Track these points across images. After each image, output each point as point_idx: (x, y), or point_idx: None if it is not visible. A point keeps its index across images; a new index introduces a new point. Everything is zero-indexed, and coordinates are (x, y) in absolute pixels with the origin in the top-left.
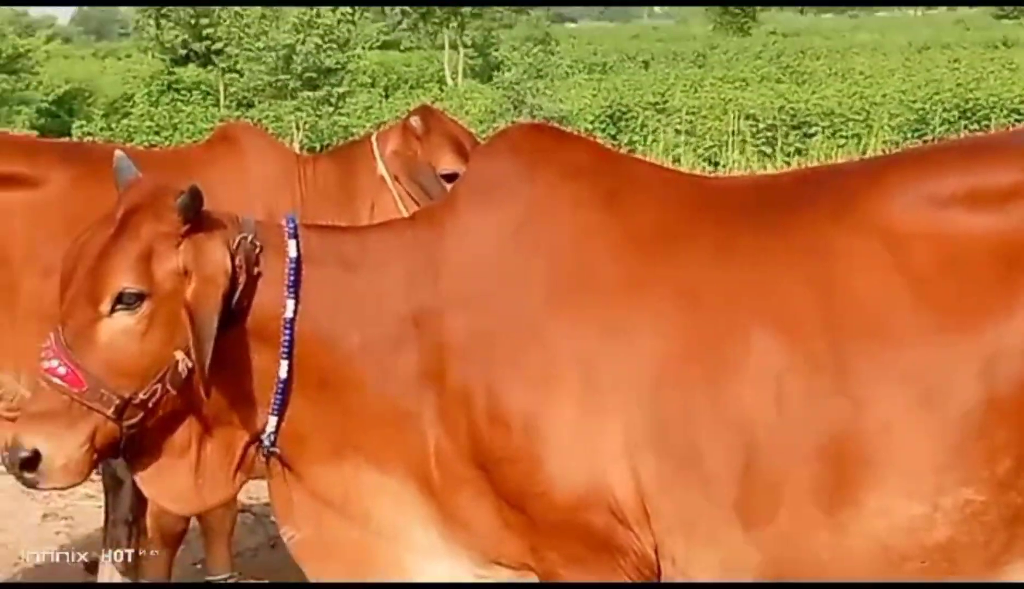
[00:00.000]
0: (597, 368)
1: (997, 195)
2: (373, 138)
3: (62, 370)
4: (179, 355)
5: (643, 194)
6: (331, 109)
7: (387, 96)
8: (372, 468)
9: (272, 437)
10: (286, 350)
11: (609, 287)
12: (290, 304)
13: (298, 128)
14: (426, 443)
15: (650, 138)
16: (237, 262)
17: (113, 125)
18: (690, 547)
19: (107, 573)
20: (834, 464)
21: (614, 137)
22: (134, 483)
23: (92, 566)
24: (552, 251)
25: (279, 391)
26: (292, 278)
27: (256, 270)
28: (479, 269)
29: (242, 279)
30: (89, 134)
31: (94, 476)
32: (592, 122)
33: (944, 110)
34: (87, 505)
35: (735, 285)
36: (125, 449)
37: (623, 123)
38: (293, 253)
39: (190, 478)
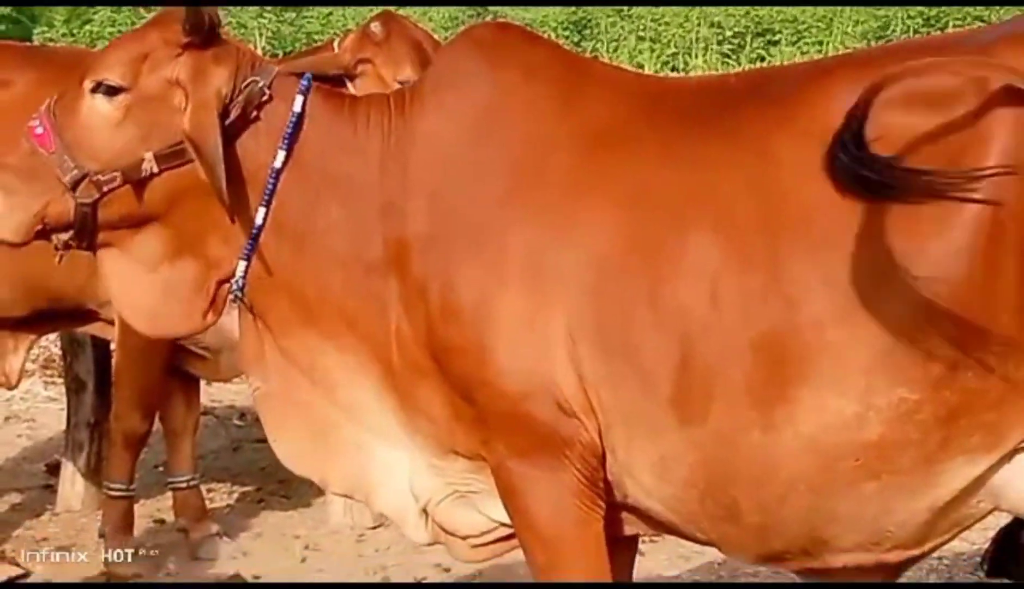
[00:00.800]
0: (544, 263)
1: (937, 97)
2: (335, 44)
3: (39, 130)
4: (148, 156)
5: (598, 96)
6: (294, 15)
7: (350, 3)
8: (337, 342)
9: (240, 282)
10: (267, 197)
11: (559, 185)
12: (281, 155)
13: (260, 34)
14: (389, 327)
15: (613, 44)
16: (237, 99)
17: (75, 31)
18: (631, 441)
19: (68, 475)
20: (767, 363)
21: (578, 43)
22: (96, 386)
23: (54, 468)
24: (508, 148)
25: (253, 236)
26: (290, 131)
27: (255, 114)
28: (440, 163)
29: (234, 114)
30: (51, 40)
31: (56, 379)
32: (555, 28)
33: (907, 17)
34: (50, 408)
35: (678, 185)
36: (84, 235)
37: (587, 30)
38: (297, 108)
39: (160, 298)
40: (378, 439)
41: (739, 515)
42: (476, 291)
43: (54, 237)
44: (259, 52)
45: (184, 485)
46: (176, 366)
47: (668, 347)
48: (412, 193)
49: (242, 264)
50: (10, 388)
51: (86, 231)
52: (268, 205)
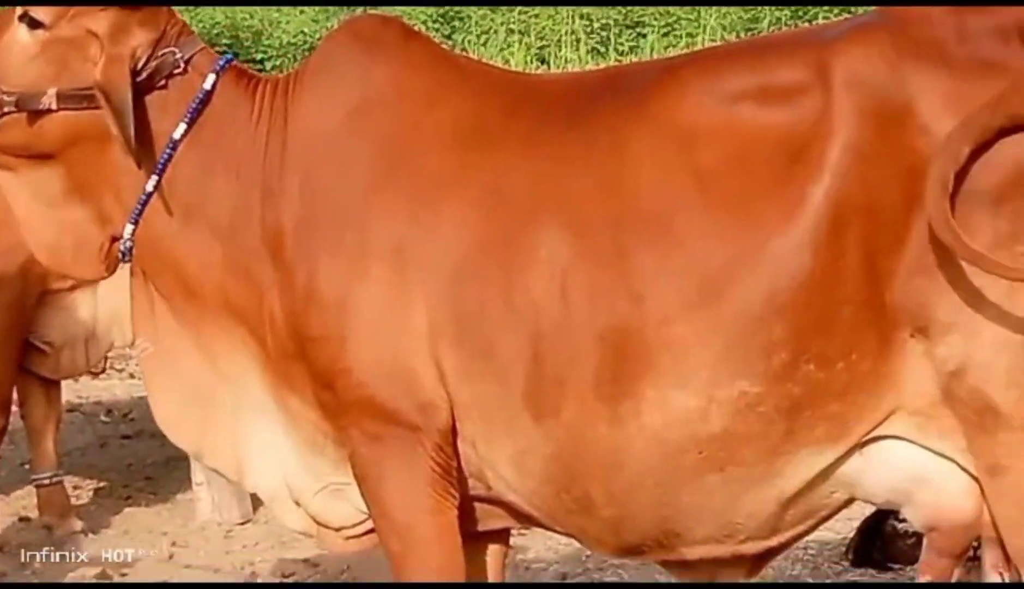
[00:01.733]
0: (406, 257)
1: (783, 91)
2: None
3: None
4: (50, 91)
5: (467, 92)
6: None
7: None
8: (218, 315)
9: (128, 244)
10: (161, 165)
11: (424, 180)
12: (182, 127)
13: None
14: (263, 307)
15: (484, 37)
16: (151, 64)
17: None
18: (489, 435)
19: None
20: (614, 358)
21: (448, 36)
22: None
23: None
24: (377, 141)
25: (141, 202)
26: (195, 106)
27: (165, 83)
28: (312, 150)
29: (143, 77)
30: None
31: None
32: (425, 21)
33: (776, 9)
34: None
35: (534, 180)
36: None
37: (457, 22)
38: (208, 85)
39: (57, 235)
40: (256, 416)
41: (593, 509)
42: (339, 281)
43: None
44: None
45: (48, 482)
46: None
47: (521, 342)
48: (287, 177)
49: (129, 227)
50: None
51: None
52: (161, 173)
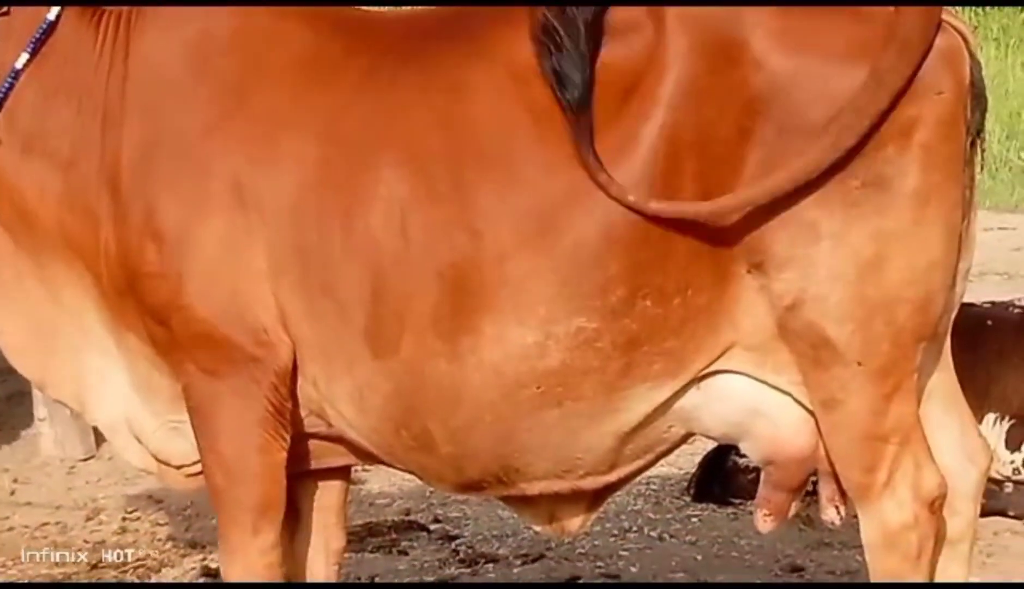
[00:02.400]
0: (245, 194)
1: (616, 28)
2: None
3: None
4: None
5: (307, 27)
6: None
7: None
8: (57, 245)
9: None
10: (1, 95)
11: (263, 115)
12: (24, 57)
13: None
14: (99, 241)
15: None
16: None
17: None
18: (330, 373)
19: None
20: (452, 294)
21: None
22: None
23: None
24: (215, 77)
25: None
26: (38, 36)
27: (5, 10)
28: (155, 83)
29: None
30: None
31: None
32: None
33: None
34: None
35: (372, 118)
36: None
37: None
38: (51, 16)
39: None
40: (96, 349)
41: (433, 445)
42: (177, 218)
43: None
44: None
45: None
46: None
47: (361, 280)
48: (127, 109)
49: None
50: None
51: None
52: (1, 103)
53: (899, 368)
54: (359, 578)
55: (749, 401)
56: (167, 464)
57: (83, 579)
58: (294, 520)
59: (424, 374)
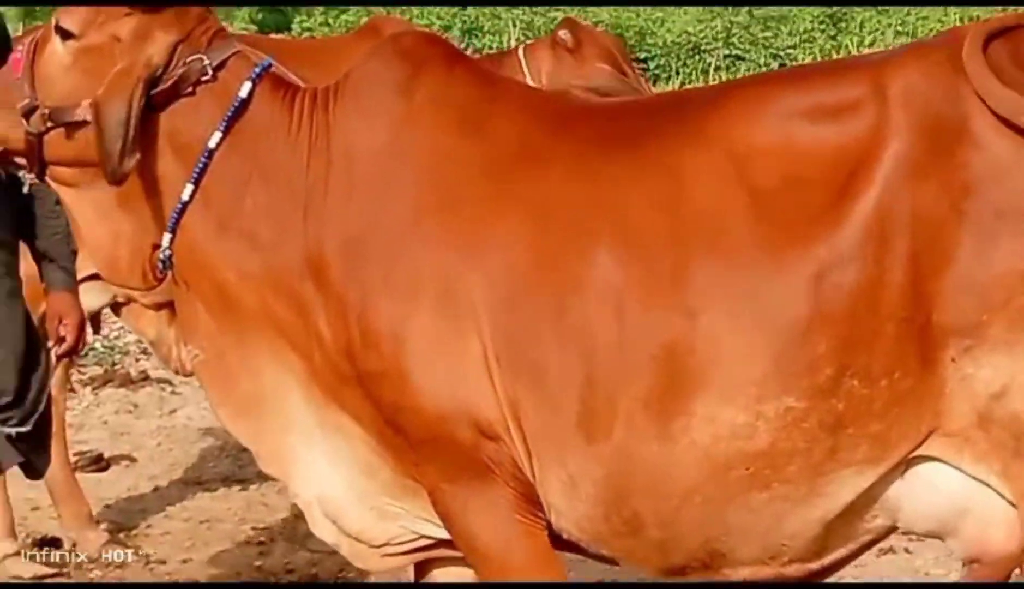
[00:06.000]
0: (457, 286)
1: (838, 108)
2: (520, 51)
3: (19, 55)
4: (84, 104)
5: (510, 115)
6: (547, 8)
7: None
8: (259, 327)
9: (167, 253)
10: (197, 174)
11: (469, 205)
12: (217, 135)
13: (515, 25)
14: (308, 327)
15: (870, 37)
16: (174, 71)
17: (331, 20)
18: (542, 462)
19: None
20: (665, 376)
21: (834, 37)
22: None
23: None
24: (420, 166)
25: (178, 210)
26: (231, 114)
27: (192, 90)
28: (358, 171)
29: (165, 86)
30: (309, 29)
31: None
32: (812, 21)
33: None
34: None
35: (585, 203)
36: (33, 164)
37: (843, 24)
38: (243, 94)
39: (111, 246)
40: (296, 429)
41: (641, 529)
42: (391, 316)
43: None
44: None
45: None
46: None
47: (574, 367)
48: (331, 197)
49: (167, 236)
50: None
51: (33, 160)
52: (197, 182)
53: None
54: None
55: (954, 495)
56: (368, 544)
57: None
58: None
59: (635, 456)
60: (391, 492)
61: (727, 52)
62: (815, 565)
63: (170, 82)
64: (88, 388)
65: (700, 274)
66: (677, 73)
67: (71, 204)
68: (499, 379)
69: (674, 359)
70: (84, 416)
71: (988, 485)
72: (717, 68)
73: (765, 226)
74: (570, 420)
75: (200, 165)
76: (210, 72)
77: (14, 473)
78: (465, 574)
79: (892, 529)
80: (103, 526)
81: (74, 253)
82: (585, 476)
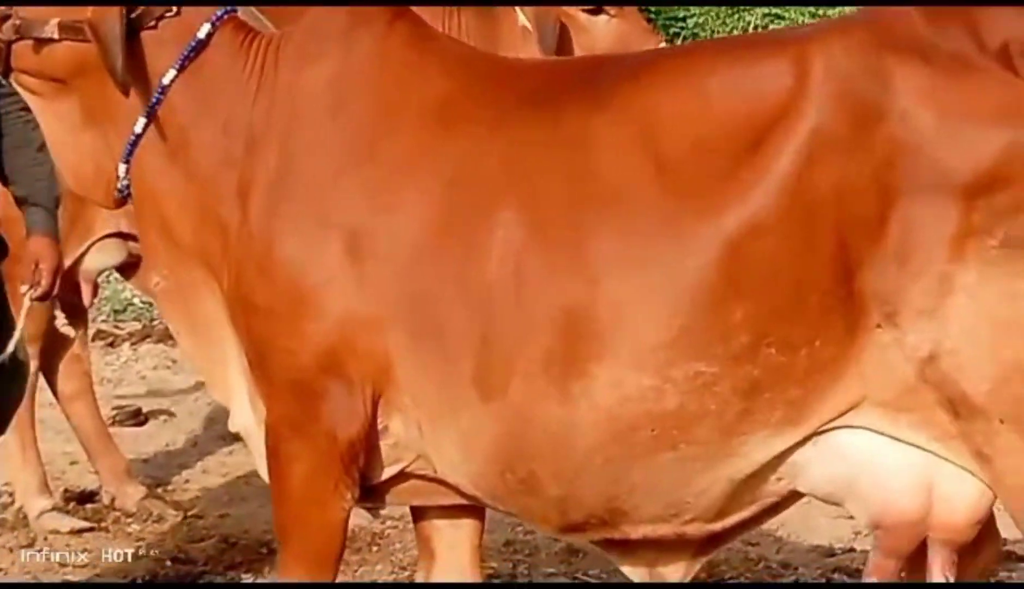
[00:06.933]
0: (361, 237)
1: (755, 81)
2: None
3: None
4: (52, 21)
5: (439, 75)
6: None
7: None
8: (194, 255)
9: (125, 182)
10: (150, 109)
11: (387, 161)
12: (172, 73)
13: None
14: (227, 256)
15: None
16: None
17: None
18: (435, 417)
19: None
20: (565, 339)
21: None
22: None
23: None
24: (349, 118)
25: (131, 142)
26: (187, 53)
27: (153, 24)
28: (295, 118)
29: (136, 16)
30: None
31: None
32: None
33: None
34: None
35: (496, 166)
36: (2, 66)
37: None
38: (201, 35)
39: (80, 159)
40: (233, 354)
41: (538, 488)
42: (293, 256)
43: None
44: None
45: None
46: None
47: (471, 325)
48: (269, 139)
49: (123, 166)
50: None
51: (3, 64)
52: (150, 116)
53: None
54: None
55: (861, 460)
56: None
57: None
58: (429, 560)
59: (534, 417)
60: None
61: None
62: (716, 526)
63: (139, 11)
64: (127, 343)
65: (605, 241)
66: None
67: (38, 112)
68: (392, 334)
69: (575, 323)
70: (123, 371)
71: (928, 450)
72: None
73: (673, 195)
74: (465, 377)
75: (154, 99)
76: (174, 9)
77: (49, 426)
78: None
79: (795, 494)
80: (141, 480)
81: (57, 200)
82: (480, 433)
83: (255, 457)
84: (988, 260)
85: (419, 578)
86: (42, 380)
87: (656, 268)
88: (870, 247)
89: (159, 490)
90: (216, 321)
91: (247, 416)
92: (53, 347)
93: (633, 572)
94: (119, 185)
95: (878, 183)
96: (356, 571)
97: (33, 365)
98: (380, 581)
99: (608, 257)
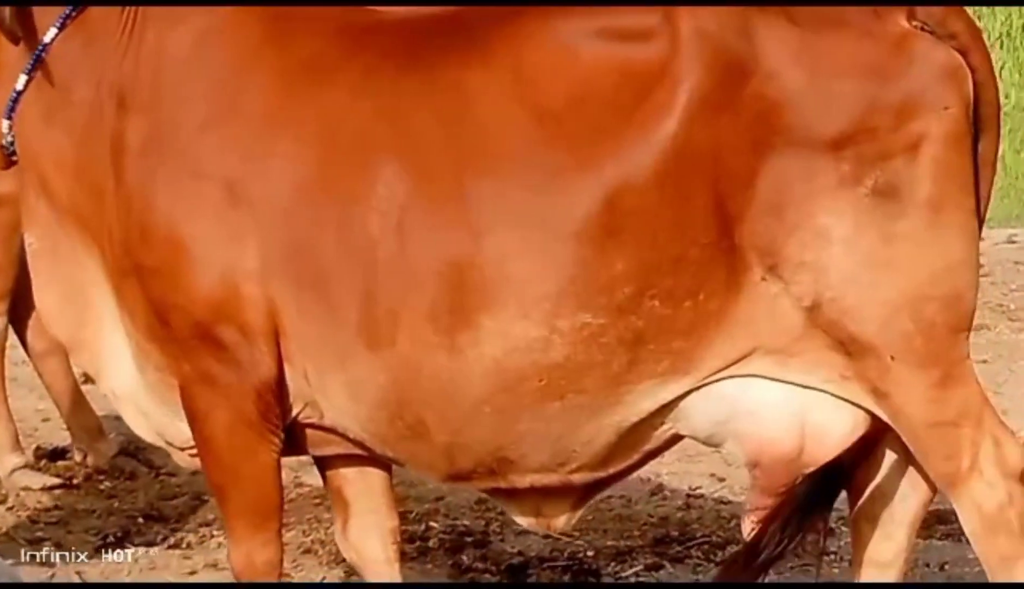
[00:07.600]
0: (236, 192)
1: (629, 35)
2: None
3: None
4: None
5: (308, 29)
6: None
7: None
8: (71, 215)
9: (9, 139)
10: (31, 66)
11: (258, 116)
12: (52, 31)
13: None
14: (104, 218)
15: None
16: None
17: None
18: (321, 366)
19: None
20: (451, 291)
21: None
22: None
23: None
24: (216, 74)
25: (13, 98)
26: (67, 13)
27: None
28: (161, 76)
29: None
30: None
31: None
32: None
33: None
34: None
35: (371, 119)
36: None
37: None
38: None
39: None
40: (109, 317)
41: (426, 434)
42: (170, 215)
43: None
44: None
45: None
46: None
47: (356, 277)
48: (137, 97)
49: (5, 122)
50: None
51: None
52: (30, 73)
53: (942, 359)
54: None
55: (741, 402)
56: (171, 445)
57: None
58: (344, 508)
59: (421, 366)
60: (174, 396)
61: None
62: (602, 473)
63: None
64: None
65: (485, 194)
66: None
67: None
68: (274, 285)
69: (458, 275)
70: None
71: (824, 391)
72: None
73: (550, 147)
74: (350, 328)
75: (34, 57)
76: None
77: (22, 383)
78: None
79: (676, 438)
80: (113, 438)
81: None
82: (368, 381)
83: (126, 419)
84: (861, 208)
85: (336, 528)
86: (13, 337)
87: (539, 220)
88: (746, 202)
89: (131, 447)
90: (91, 283)
91: (123, 379)
92: (24, 304)
93: (521, 518)
94: (4, 142)
95: (750, 139)
96: None
97: (3, 322)
98: None
99: (491, 209)
